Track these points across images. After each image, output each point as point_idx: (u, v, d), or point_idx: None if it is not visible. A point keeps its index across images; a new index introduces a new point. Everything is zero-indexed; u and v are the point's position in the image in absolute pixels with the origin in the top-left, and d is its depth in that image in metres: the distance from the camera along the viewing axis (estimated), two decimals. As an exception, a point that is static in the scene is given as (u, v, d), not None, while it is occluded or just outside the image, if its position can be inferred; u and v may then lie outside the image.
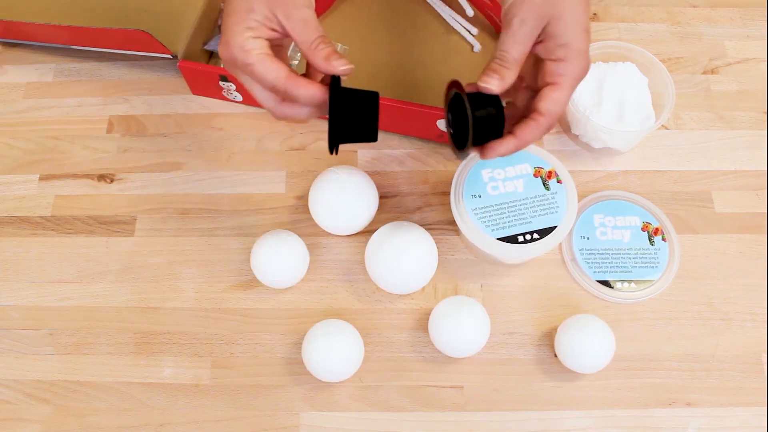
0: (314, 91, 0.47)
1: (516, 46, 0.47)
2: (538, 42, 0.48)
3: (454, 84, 0.50)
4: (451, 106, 0.52)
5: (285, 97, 0.48)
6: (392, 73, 0.70)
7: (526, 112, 0.49)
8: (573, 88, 0.48)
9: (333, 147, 0.48)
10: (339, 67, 0.46)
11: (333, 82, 0.47)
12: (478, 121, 0.47)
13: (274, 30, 0.47)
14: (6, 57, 0.74)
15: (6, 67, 0.73)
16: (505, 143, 0.48)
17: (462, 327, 0.54)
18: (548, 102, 0.47)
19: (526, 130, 0.48)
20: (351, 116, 0.48)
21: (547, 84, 0.48)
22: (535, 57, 0.49)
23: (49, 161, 0.67)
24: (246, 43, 0.46)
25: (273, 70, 0.46)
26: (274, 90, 0.47)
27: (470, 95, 0.47)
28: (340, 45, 0.70)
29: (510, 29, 0.47)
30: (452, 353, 0.56)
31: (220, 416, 0.56)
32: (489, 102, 0.47)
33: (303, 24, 0.46)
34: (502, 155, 0.49)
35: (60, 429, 0.56)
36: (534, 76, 0.50)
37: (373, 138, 0.49)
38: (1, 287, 0.62)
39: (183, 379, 0.58)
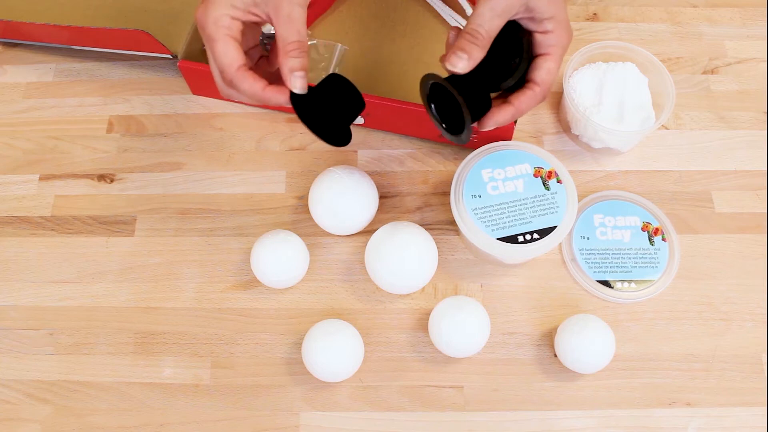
0: (257, 89, 0.47)
1: (493, 20, 0.46)
2: (524, 17, 0.48)
3: (429, 75, 0.50)
4: (431, 97, 0.52)
5: (230, 84, 0.48)
6: (392, 73, 0.70)
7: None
8: (562, 56, 0.50)
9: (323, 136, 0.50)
10: (294, 85, 0.46)
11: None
12: (468, 103, 0.48)
13: (256, 15, 0.47)
14: (6, 57, 0.74)
15: (6, 67, 0.73)
16: (504, 112, 0.49)
17: (462, 327, 0.54)
18: (543, 72, 0.49)
19: (524, 99, 0.49)
20: (322, 115, 0.50)
21: (539, 55, 0.49)
22: None
23: (49, 161, 0.67)
24: (222, 19, 0.46)
25: (229, 56, 0.46)
26: (222, 73, 0.48)
27: (449, 79, 0.48)
28: (340, 45, 0.70)
29: (488, 2, 0.46)
30: (452, 353, 0.56)
31: (220, 416, 0.56)
32: (469, 80, 0.48)
33: (287, 21, 0.46)
34: (501, 124, 0.50)
35: (60, 429, 0.56)
36: None
37: (358, 109, 0.51)
38: (1, 287, 0.62)
39: (183, 379, 0.58)
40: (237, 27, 0.47)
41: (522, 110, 0.50)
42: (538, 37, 0.49)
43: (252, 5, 0.46)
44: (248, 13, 0.47)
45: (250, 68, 0.48)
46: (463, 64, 0.46)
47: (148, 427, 0.56)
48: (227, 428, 0.56)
